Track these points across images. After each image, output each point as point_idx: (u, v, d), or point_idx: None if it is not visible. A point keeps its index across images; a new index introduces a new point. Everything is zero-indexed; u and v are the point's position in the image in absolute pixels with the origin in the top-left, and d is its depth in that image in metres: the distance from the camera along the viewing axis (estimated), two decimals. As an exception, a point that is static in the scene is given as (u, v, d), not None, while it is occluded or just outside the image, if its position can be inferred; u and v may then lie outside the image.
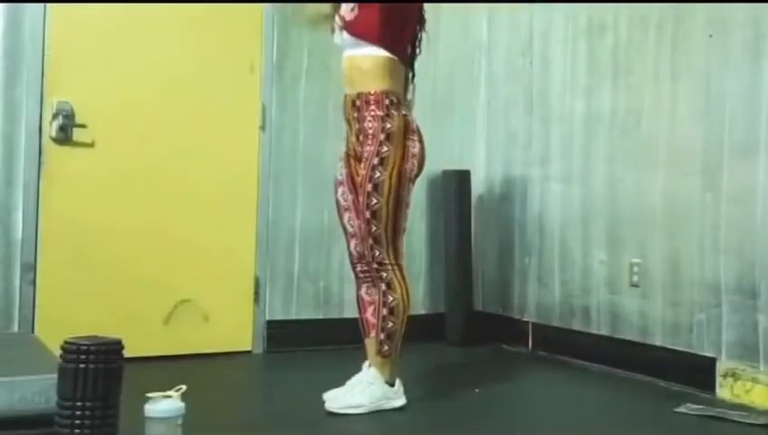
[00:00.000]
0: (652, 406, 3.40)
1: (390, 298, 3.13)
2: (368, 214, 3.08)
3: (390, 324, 3.13)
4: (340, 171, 3.26)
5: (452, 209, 4.73)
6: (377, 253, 3.11)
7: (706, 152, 3.63)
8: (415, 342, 4.41)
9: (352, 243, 3.24)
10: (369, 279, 3.21)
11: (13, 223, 3.72)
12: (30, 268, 3.73)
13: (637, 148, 4.00)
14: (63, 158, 3.82)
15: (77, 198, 3.83)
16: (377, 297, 3.16)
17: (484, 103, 5.01)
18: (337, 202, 3.29)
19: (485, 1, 4.99)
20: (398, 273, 3.15)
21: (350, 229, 3.24)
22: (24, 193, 3.74)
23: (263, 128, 4.33)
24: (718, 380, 3.50)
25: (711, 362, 3.54)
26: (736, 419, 3.14)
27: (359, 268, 3.25)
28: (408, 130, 3.16)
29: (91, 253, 3.84)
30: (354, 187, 3.18)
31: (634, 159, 4.00)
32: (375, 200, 3.08)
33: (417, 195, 4.75)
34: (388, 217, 3.10)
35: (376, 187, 3.07)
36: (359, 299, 3.27)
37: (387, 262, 3.13)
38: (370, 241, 3.11)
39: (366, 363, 3.20)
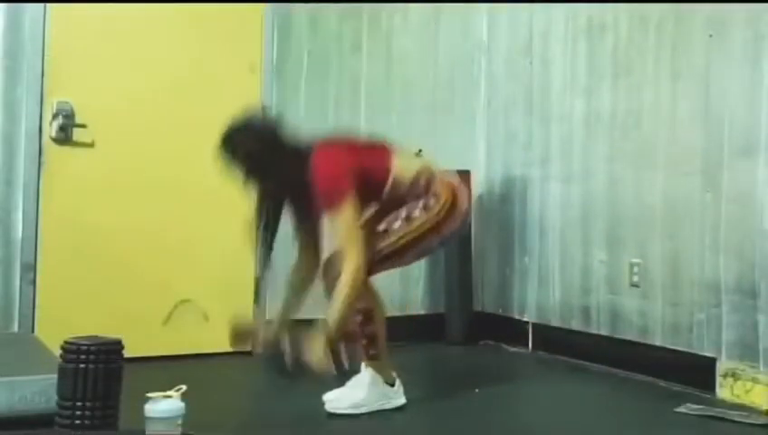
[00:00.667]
0: (652, 406, 3.40)
1: (363, 304, 3.10)
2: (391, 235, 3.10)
3: (369, 329, 3.14)
4: None
5: (452, 209, 4.73)
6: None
7: (706, 152, 3.63)
8: (415, 342, 4.45)
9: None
10: None
11: (13, 223, 3.72)
12: (30, 268, 3.73)
13: (637, 148, 4.00)
14: (63, 158, 3.82)
15: (77, 198, 3.83)
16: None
17: (484, 103, 5.01)
18: None
19: (485, 1, 5.00)
20: (366, 281, 3.11)
21: None
22: (24, 193, 3.74)
23: (263, 128, 4.33)
24: (718, 380, 3.50)
25: (711, 362, 3.54)
26: (736, 419, 3.14)
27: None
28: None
29: (91, 253, 3.84)
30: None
31: (634, 159, 4.00)
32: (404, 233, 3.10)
33: (417, 195, 4.78)
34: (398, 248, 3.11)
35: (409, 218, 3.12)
36: None
37: None
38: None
39: (363, 364, 3.21)
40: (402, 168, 3.16)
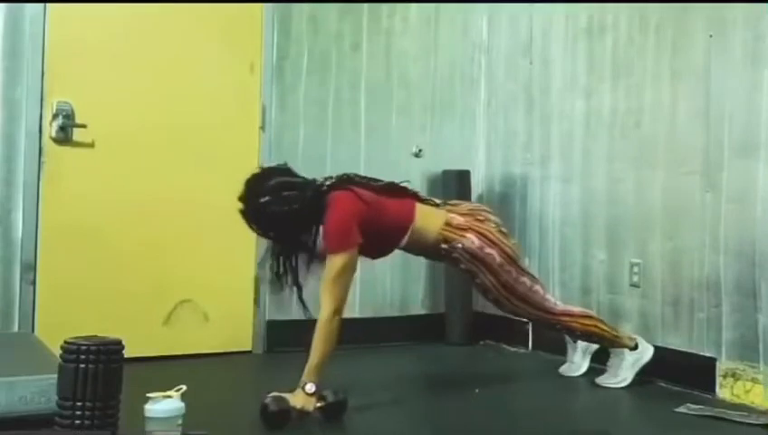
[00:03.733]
0: (652, 406, 3.39)
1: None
2: None
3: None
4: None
5: (452, 209, 4.73)
6: None
7: (706, 152, 3.64)
8: (415, 342, 4.45)
9: None
10: None
11: (13, 223, 3.72)
12: (30, 268, 3.73)
13: (637, 148, 4.00)
14: (63, 158, 3.82)
15: (77, 197, 3.82)
16: None
17: (484, 103, 5.01)
18: None
19: (485, 1, 5.00)
20: None
21: None
22: (24, 193, 3.73)
23: (263, 128, 4.33)
24: (718, 380, 3.50)
25: (711, 362, 3.54)
26: (736, 419, 3.14)
27: None
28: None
29: (91, 253, 3.83)
30: None
31: (634, 159, 4.00)
32: None
33: (417, 195, 4.77)
34: None
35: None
36: None
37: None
38: None
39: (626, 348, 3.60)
40: (425, 222, 3.26)
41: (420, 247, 3.34)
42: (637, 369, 3.61)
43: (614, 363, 3.66)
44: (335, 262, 3.02)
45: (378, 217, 3.15)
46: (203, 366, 3.87)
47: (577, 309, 3.65)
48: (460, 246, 3.26)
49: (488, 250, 3.29)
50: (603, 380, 3.67)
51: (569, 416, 3.28)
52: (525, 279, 3.40)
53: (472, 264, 3.29)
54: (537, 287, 3.45)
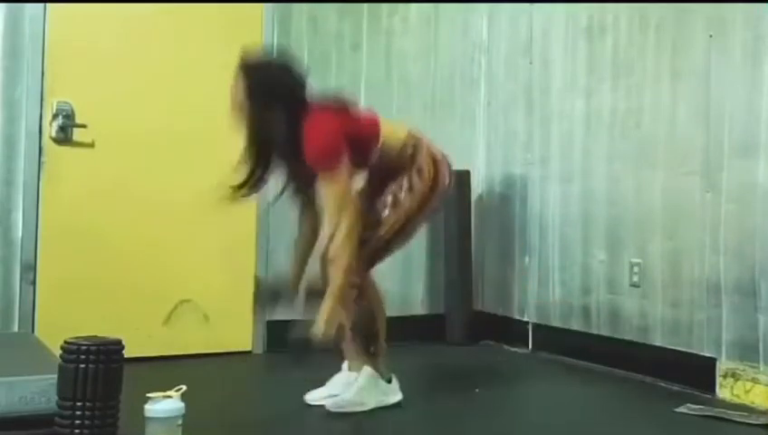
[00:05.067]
0: (652, 406, 3.39)
1: (365, 302, 3.13)
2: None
3: (371, 326, 3.16)
4: None
5: (452, 209, 4.73)
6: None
7: (706, 152, 3.63)
8: (415, 342, 4.45)
9: None
10: None
11: (13, 223, 3.72)
12: (30, 268, 3.73)
13: (637, 148, 4.00)
14: (63, 158, 3.82)
15: (77, 198, 3.82)
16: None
17: (484, 103, 5.01)
18: None
19: (485, 1, 5.00)
20: (366, 278, 3.15)
21: None
22: (24, 193, 3.73)
23: (263, 128, 4.33)
24: (718, 380, 3.50)
25: (711, 362, 3.54)
26: (736, 419, 3.14)
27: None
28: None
29: (91, 253, 3.83)
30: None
31: (634, 159, 4.00)
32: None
33: (417, 195, 4.77)
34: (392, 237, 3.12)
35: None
36: None
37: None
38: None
39: (345, 364, 3.24)
40: (390, 133, 3.16)
41: (385, 159, 3.14)
42: (377, 401, 3.16)
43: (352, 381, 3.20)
44: (332, 185, 2.94)
45: (351, 127, 3.06)
46: (203, 366, 3.87)
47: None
48: (425, 148, 3.18)
49: (444, 170, 3.20)
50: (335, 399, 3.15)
51: (569, 416, 3.28)
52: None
53: (420, 179, 3.13)
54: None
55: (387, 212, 3.11)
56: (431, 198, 3.17)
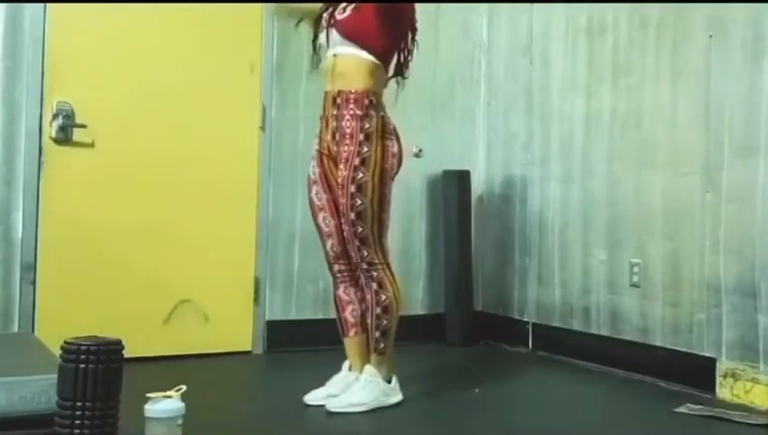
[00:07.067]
0: (652, 406, 3.40)
1: (383, 297, 3.16)
2: (352, 215, 3.09)
3: (384, 322, 3.17)
4: (313, 170, 3.26)
5: (452, 209, 4.73)
6: (365, 253, 3.13)
7: (706, 152, 3.64)
8: (415, 342, 4.45)
9: (329, 243, 3.25)
10: (346, 279, 3.27)
11: (13, 223, 3.72)
12: (30, 268, 3.73)
13: (637, 148, 4.00)
14: (63, 158, 3.82)
15: (77, 198, 3.82)
16: (367, 295, 3.19)
17: (484, 103, 5.01)
18: (311, 201, 3.28)
19: (485, 1, 5.00)
20: (387, 271, 3.19)
21: (325, 229, 3.25)
22: (24, 193, 3.73)
23: (263, 128, 4.33)
24: (718, 380, 3.50)
25: (711, 363, 3.54)
26: (736, 419, 3.14)
27: (336, 268, 3.28)
28: (385, 130, 3.19)
29: (91, 253, 3.83)
30: (329, 186, 3.20)
31: (634, 159, 4.00)
32: (359, 201, 3.08)
33: (417, 195, 4.77)
34: (374, 217, 3.12)
35: (359, 187, 3.08)
36: (336, 299, 3.31)
37: (376, 261, 3.15)
38: (357, 242, 3.12)
39: (346, 364, 3.24)
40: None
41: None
42: (377, 401, 3.14)
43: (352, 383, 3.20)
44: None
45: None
46: (203, 366, 3.87)
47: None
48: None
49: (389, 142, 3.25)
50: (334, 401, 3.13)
51: (569, 416, 3.28)
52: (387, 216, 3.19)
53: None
54: (387, 235, 3.20)
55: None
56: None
